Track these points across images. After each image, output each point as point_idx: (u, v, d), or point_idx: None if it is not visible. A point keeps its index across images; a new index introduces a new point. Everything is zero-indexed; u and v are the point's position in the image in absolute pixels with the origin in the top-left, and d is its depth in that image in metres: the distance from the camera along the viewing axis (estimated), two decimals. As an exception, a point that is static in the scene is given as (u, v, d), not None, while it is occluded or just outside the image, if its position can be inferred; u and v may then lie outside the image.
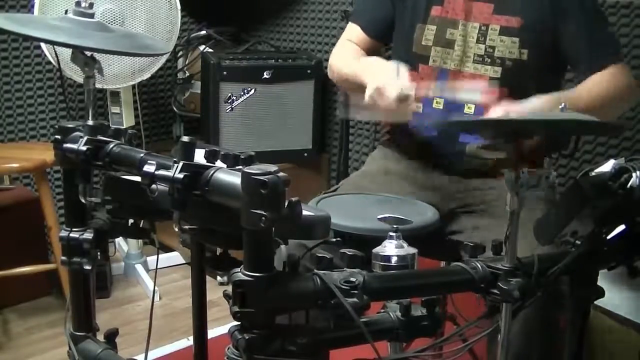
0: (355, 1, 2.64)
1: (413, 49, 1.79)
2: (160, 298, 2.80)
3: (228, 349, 0.94)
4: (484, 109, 1.62)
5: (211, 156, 0.98)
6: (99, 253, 1.23)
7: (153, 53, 2.16)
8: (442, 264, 1.89)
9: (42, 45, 2.56)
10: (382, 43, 1.94)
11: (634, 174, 1.05)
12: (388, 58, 1.83)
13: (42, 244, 2.76)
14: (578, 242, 1.15)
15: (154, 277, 2.76)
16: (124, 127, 2.66)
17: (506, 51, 1.69)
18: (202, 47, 3.21)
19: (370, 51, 1.89)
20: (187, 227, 1.04)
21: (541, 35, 1.69)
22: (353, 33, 1.90)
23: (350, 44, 1.90)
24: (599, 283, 1.21)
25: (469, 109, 1.71)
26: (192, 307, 1.29)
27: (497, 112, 1.53)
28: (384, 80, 1.57)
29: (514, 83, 1.70)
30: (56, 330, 2.52)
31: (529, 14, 1.68)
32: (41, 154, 2.44)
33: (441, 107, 1.74)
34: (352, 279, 0.95)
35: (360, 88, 1.63)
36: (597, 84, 1.68)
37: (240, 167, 0.96)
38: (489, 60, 1.71)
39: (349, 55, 1.87)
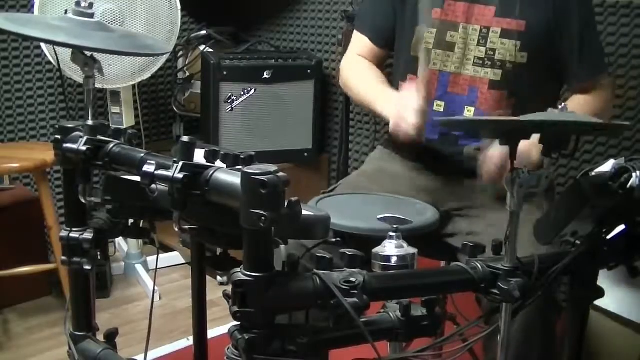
0: (358, 9, 2.64)
1: (413, 52, 1.79)
2: (160, 298, 2.80)
3: (228, 349, 0.93)
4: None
5: (211, 156, 0.98)
6: (99, 253, 1.23)
7: (153, 53, 2.16)
8: (442, 264, 1.89)
9: (42, 45, 2.56)
10: (392, 51, 1.95)
11: (634, 174, 1.05)
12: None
13: (42, 244, 2.76)
14: (578, 242, 1.15)
15: (154, 277, 2.76)
16: (124, 127, 2.66)
17: (507, 54, 1.69)
18: (202, 47, 3.21)
19: (380, 59, 1.94)
20: (187, 227, 1.04)
21: (543, 39, 1.69)
22: (361, 44, 1.93)
23: (362, 61, 1.92)
24: (599, 283, 1.21)
25: (469, 112, 1.72)
26: (192, 307, 1.29)
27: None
28: (399, 110, 1.64)
29: (514, 85, 1.71)
30: (56, 330, 2.52)
31: (533, 18, 1.68)
32: (41, 154, 2.44)
33: (442, 110, 1.75)
34: (352, 279, 0.94)
35: (374, 112, 1.82)
36: (583, 107, 1.71)
37: (240, 167, 0.95)
38: (489, 62, 1.71)
39: (364, 76, 1.89)
